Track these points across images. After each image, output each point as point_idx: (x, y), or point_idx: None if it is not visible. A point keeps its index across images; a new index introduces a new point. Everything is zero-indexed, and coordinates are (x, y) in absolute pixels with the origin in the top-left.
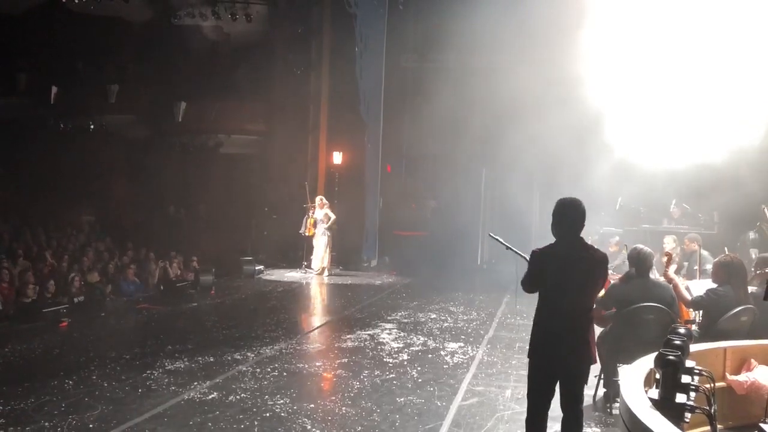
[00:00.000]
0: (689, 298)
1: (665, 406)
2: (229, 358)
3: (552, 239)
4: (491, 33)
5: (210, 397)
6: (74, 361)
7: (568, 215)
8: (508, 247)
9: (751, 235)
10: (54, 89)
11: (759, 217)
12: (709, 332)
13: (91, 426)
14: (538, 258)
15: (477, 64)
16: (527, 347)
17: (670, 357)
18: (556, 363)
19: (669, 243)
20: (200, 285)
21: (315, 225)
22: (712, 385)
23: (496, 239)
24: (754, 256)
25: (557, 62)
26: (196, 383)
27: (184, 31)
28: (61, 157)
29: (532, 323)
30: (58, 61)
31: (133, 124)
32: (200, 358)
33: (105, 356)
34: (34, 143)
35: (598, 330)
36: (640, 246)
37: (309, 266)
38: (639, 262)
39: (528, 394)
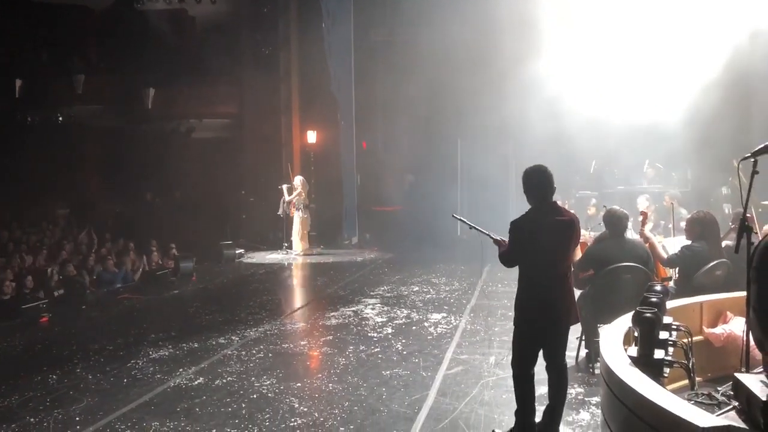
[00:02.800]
0: (665, 256)
1: (644, 362)
2: (214, 342)
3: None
4: (460, 5)
5: (196, 382)
6: (57, 355)
7: (536, 183)
8: (471, 227)
9: (724, 190)
10: (18, 82)
11: (731, 172)
12: (685, 288)
13: (77, 419)
14: (517, 229)
15: (447, 36)
16: (510, 314)
17: (647, 314)
18: (545, 328)
19: (642, 203)
20: (181, 272)
21: (295, 205)
22: (690, 339)
23: (461, 219)
24: (727, 212)
25: (530, 33)
26: (181, 370)
27: (148, 15)
28: (31, 151)
29: (516, 291)
30: (20, 53)
31: (102, 113)
32: (185, 345)
33: (88, 348)
34: (1, 138)
35: (577, 293)
36: (615, 207)
37: (289, 247)
38: (613, 222)
39: (515, 360)
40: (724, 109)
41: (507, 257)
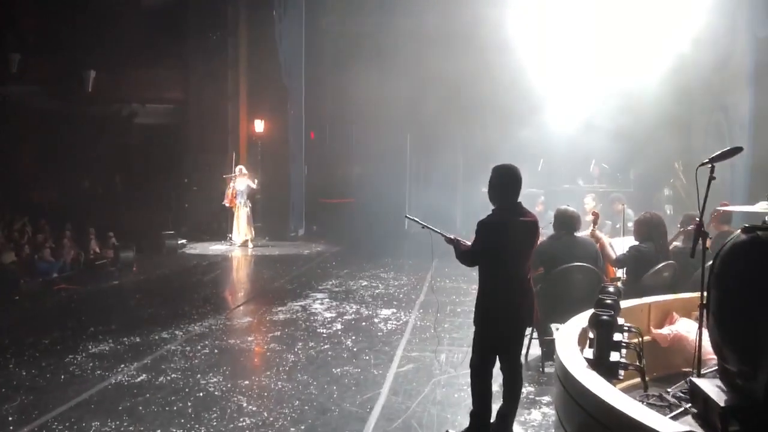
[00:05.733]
0: (614, 256)
1: (601, 365)
2: (157, 337)
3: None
4: None
5: (138, 379)
6: None
7: (505, 182)
8: (424, 226)
9: (666, 191)
10: None
11: (673, 174)
12: (633, 288)
13: (10, 419)
14: (485, 229)
15: (399, 27)
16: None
17: (604, 317)
18: (507, 328)
19: (589, 202)
20: (120, 262)
21: (236, 196)
22: (641, 339)
23: (413, 220)
24: (669, 213)
25: (485, 26)
26: (122, 366)
27: None
28: None
29: (477, 291)
30: None
31: (39, 94)
32: (126, 339)
33: (22, 342)
34: None
35: None
36: (566, 206)
37: (234, 239)
38: (565, 222)
39: (475, 360)
40: (665, 111)
41: (470, 257)
